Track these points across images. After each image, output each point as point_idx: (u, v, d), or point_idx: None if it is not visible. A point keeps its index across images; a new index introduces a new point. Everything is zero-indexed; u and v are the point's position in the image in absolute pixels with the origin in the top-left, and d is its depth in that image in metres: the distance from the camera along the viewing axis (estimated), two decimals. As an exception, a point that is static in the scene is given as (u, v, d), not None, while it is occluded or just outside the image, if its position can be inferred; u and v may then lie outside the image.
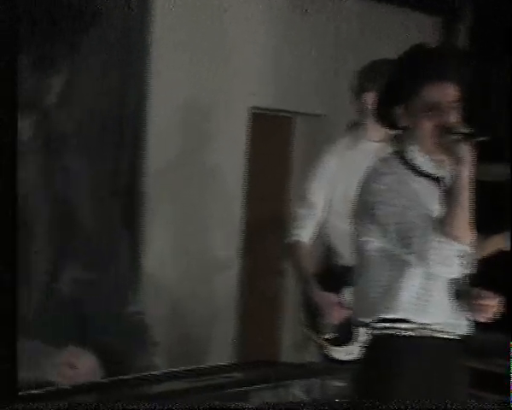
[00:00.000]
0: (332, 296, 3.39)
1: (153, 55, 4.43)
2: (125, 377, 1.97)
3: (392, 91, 2.47)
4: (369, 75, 3.47)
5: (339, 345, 3.39)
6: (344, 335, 3.35)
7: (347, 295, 3.28)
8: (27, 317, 2.02)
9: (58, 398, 1.86)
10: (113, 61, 4.20)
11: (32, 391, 2.76)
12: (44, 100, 3.39)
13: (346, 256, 3.30)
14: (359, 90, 3.53)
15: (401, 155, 2.43)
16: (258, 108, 5.21)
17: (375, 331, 2.44)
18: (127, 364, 3.40)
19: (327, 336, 3.43)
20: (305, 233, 3.60)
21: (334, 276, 3.52)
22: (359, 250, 2.48)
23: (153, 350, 4.23)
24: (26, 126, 2.60)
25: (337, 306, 3.36)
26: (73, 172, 3.74)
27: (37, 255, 2.41)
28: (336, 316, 3.37)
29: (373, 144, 3.46)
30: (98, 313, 3.61)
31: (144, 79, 4.41)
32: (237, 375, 2.05)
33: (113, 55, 4.21)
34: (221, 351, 4.95)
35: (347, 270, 2.99)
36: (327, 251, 3.62)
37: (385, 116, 2.50)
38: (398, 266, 2.38)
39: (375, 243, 2.42)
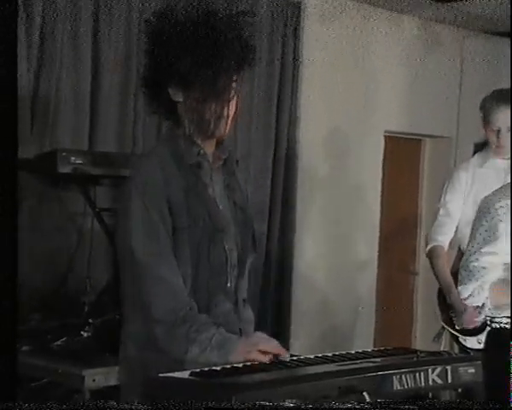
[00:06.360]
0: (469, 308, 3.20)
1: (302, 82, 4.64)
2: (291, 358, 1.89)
3: None
4: (495, 100, 3.46)
5: (471, 335, 3.36)
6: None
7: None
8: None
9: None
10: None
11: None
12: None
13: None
14: (488, 114, 3.51)
15: None
16: (391, 132, 5.27)
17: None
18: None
19: (460, 328, 3.43)
20: (445, 239, 3.65)
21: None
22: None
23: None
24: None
25: (472, 312, 3.19)
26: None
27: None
28: (470, 321, 3.27)
29: (502, 162, 3.53)
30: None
31: (296, 104, 4.62)
32: (379, 360, 1.91)
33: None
34: (363, 339, 5.09)
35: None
36: (460, 256, 3.44)
37: None
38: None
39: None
